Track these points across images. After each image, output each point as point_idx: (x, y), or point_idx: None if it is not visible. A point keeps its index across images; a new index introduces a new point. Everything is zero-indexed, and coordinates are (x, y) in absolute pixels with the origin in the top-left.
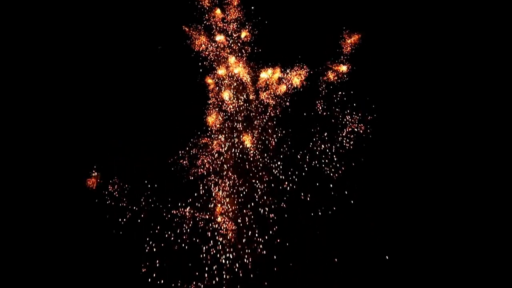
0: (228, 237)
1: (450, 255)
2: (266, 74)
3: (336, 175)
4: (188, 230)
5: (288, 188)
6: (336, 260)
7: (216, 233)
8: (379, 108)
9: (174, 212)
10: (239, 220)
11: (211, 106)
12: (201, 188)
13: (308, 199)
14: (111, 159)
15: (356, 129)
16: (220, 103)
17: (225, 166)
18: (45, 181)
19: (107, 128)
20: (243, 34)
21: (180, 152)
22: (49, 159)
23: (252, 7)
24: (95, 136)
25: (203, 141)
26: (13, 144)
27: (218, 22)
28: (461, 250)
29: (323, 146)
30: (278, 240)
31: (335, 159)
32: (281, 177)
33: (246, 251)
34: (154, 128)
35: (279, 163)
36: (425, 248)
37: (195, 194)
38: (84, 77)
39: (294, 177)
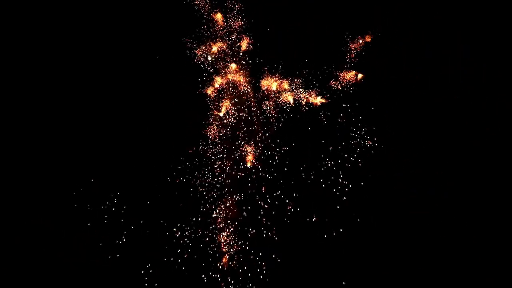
0: (229, 255)
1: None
2: (268, 84)
3: (342, 191)
4: (188, 244)
5: (291, 204)
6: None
7: (216, 249)
8: (386, 119)
9: (173, 226)
10: (240, 234)
11: (211, 118)
12: (201, 202)
13: (313, 215)
14: (110, 171)
15: (363, 142)
16: (220, 114)
17: (226, 180)
18: (40, 189)
19: (106, 139)
20: (245, 42)
21: (179, 165)
22: (46, 167)
23: (254, 14)
24: (94, 148)
25: (202, 153)
26: (10, 146)
27: (218, 30)
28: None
29: (328, 159)
30: (280, 259)
31: (341, 175)
32: (283, 190)
33: (247, 268)
34: (152, 139)
35: (282, 177)
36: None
37: (195, 208)
38: (83, 86)
39: (297, 193)
